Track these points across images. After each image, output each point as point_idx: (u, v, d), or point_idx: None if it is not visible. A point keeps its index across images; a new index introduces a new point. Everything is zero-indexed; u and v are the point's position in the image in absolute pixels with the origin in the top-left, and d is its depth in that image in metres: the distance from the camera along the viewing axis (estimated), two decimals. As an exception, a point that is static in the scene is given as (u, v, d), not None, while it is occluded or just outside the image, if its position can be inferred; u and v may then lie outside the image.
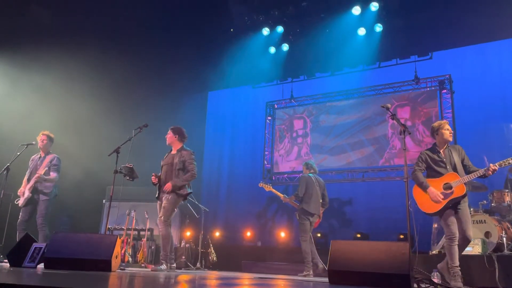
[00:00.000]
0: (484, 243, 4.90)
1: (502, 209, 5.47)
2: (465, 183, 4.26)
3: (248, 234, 9.00)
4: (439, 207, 4.27)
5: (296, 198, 6.44)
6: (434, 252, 5.49)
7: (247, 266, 7.69)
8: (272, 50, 9.30)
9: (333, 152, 9.07)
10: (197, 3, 8.62)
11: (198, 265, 7.41)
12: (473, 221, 5.17)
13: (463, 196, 4.26)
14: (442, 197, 4.26)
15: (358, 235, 7.81)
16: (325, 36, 8.57)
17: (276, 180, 9.61)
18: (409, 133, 4.44)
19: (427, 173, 4.54)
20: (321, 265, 6.18)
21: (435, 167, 4.46)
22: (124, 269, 5.13)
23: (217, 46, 9.17)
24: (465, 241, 4.21)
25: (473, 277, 4.52)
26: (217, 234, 8.86)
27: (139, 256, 7.02)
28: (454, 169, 4.38)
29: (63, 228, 8.01)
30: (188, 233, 8.04)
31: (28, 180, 5.81)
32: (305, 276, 6.04)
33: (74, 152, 7.37)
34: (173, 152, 5.61)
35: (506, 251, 4.83)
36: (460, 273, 4.08)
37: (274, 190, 6.83)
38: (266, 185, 6.96)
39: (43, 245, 4.70)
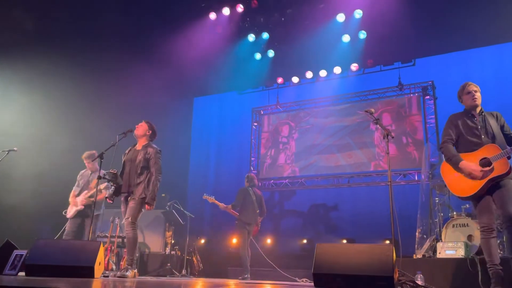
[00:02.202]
0: (467, 246, 4.95)
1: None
2: (509, 158, 3.40)
3: (234, 240, 8.95)
4: (475, 188, 3.44)
5: (233, 208, 6.95)
6: (418, 256, 5.54)
7: (233, 273, 7.64)
8: (258, 56, 9.34)
9: (319, 157, 9.11)
10: (183, 8, 8.64)
11: (183, 272, 7.33)
12: (456, 224, 5.24)
13: (507, 174, 3.39)
14: (480, 170, 3.43)
15: (344, 241, 7.84)
16: (310, 42, 8.65)
17: (263, 186, 9.61)
18: (393, 137, 4.33)
19: (459, 145, 3.74)
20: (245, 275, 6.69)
21: (468, 136, 3.62)
22: (107, 276, 5.04)
23: (203, 52, 9.17)
24: (508, 220, 3.35)
25: (456, 280, 4.56)
26: (202, 241, 8.79)
27: (123, 263, 6.91)
28: (493, 139, 3.53)
29: (45, 236, 7.86)
30: (173, 240, 7.96)
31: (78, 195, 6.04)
32: (243, 279, 6.48)
33: (58, 158, 7.28)
34: (138, 147, 5.23)
35: (488, 254, 4.89)
36: (500, 273, 3.40)
37: (216, 201, 7.16)
38: (209, 197, 7.24)
39: (24, 252, 4.60)
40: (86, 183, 6.11)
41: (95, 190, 5.80)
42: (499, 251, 4.13)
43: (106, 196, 5.18)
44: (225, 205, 7.05)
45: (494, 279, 3.45)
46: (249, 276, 6.62)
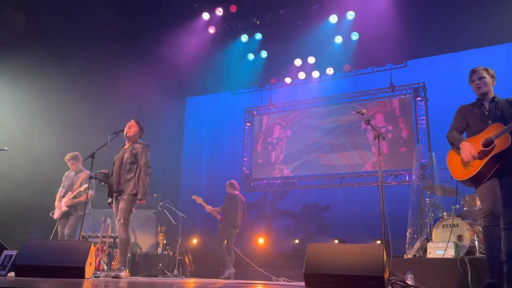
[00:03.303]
0: (457, 246, 5.00)
1: (473, 213, 5.60)
2: (511, 134, 3.15)
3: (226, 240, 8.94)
4: (475, 169, 3.24)
5: (223, 211, 7.15)
6: (409, 256, 5.58)
7: (225, 273, 7.63)
8: (251, 56, 9.35)
9: (312, 157, 9.13)
10: (177, 8, 8.62)
11: (175, 272, 7.31)
12: (446, 225, 5.28)
13: (510, 152, 3.13)
14: (473, 153, 3.26)
15: (336, 241, 7.87)
16: (303, 43, 8.69)
17: (255, 186, 9.62)
18: (383, 138, 4.36)
19: (467, 134, 3.59)
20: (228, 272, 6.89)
21: (474, 124, 3.45)
22: (98, 277, 5.02)
23: (196, 52, 9.16)
24: (508, 222, 3.12)
25: (446, 280, 4.60)
26: (194, 241, 8.77)
27: (115, 264, 6.88)
28: (502, 123, 3.29)
29: (36, 236, 7.80)
30: (165, 240, 7.94)
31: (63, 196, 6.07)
32: (226, 278, 6.70)
33: (48, 158, 7.23)
34: (126, 146, 5.25)
35: (478, 254, 4.95)
36: (500, 266, 3.15)
37: (203, 203, 7.39)
38: (198, 198, 7.47)
39: (14, 252, 4.56)
40: (70, 184, 6.15)
41: (78, 190, 5.97)
42: None
43: (109, 202, 5.19)
44: (212, 208, 7.28)
45: (491, 272, 3.18)
46: (233, 270, 6.86)
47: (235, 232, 7.15)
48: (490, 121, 3.37)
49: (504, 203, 3.20)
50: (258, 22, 8.76)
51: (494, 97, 3.54)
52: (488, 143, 3.26)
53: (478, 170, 3.26)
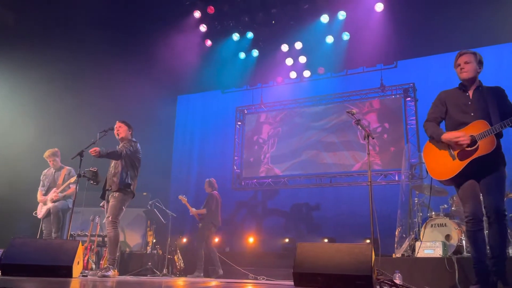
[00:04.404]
0: (444, 245, 5.04)
1: (461, 213, 5.65)
2: (497, 135, 2.96)
3: (216, 240, 8.93)
4: (456, 170, 3.04)
5: (209, 212, 7.26)
6: (397, 255, 5.61)
7: (213, 272, 7.62)
8: (242, 55, 9.33)
9: (303, 156, 9.15)
10: (168, 5, 8.57)
11: (164, 271, 7.28)
12: (434, 224, 5.33)
13: (493, 155, 2.96)
14: (465, 139, 3.02)
15: (325, 240, 7.90)
16: (294, 43, 8.69)
17: (246, 185, 9.62)
18: (373, 138, 4.38)
19: (446, 124, 3.34)
20: (221, 271, 7.14)
21: (455, 113, 3.18)
22: (86, 276, 4.98)
23: (187, 50, 9.12)
24: (492, 214, 3.00)
25: (434, 279, 4.64)
26: (184, 240, 8.74)
27: (103, 263, 6.83)
28: (486, 117, 3.07)
29: (23, 234, 7.71)
30: (154, 239, 7.90)
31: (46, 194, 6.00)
32: (197, 276, 6.94)
33: (36, 155, 7.14)
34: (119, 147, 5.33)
35: (465, 254, 4.99)
36: (487, 270, 3.03)
37: (188, 204, 7.54)
38: (183, 198, 7.61)
39: (0, 251, 4.50)
40: (52, 181, 6.06)
41: (64, 185, 5.92)
42: None
43: (101, 205, 5.19)
44: (195, 210, 7.41)
45: (478, 277, 3.08)
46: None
47: (215, 231, 7.45)
48: (472, 113, 3.15)
49: (485, 193, 3.07)
50: (249, 21, 8.73)
51: (479, 85, 3.29)
52: (471, 143, 3.06)
53: (458, 172, 3.08)
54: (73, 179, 5.89)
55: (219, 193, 7.67)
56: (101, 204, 5.25)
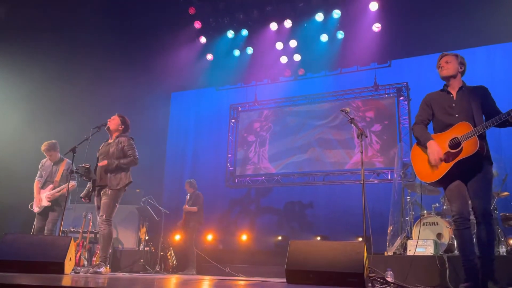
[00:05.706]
0: (436, 244, 5.09)
1: (452, 212, 5.70)
2: (480, 136, 3.03)
3: (210, 237, 8.94)
4: (441, 172, 3.13)
5: (198, 211, 7.43)
6: (389, 253, 5.66)
7: (206, 269, 7.64)
8: (237, 53, 9.31)
9: (297, 154, 9.16)
10: (162, 2, 8.54)
11: (157, 268, 7.28)
12: (426, 223, 5.37)
13: (477, 155, 3.02)
14: (441, 156, 3.13)
15: (318, 238, 7.93)
16: (289, 41, 8.70)
17: (239, 182, 9.62)
18: (366, 136, 4.39)
19: (433, 126, 3.42)
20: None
21: (440, 115, 3.27)
22: (78, 272, 4.96)
23: (181, 47, 9.09)
24: (479, 216, 3.07)
25: (425, 277, 4.68)
26: (177, 237, 8.73)
27: (96, 259, 6.80)
28: (470, 117, 3.15)
29: (14, 231, 7.65)
30: (147, 236, 7.88)
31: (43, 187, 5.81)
32: (191, 274, 7.04)
33: (29, 152, 7.09)
34: (110, 140, 5.20)
35: (456, 252, 5.04)
36: (476, 268, 3.07)
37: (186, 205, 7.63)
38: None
39: (-9, 247, 4.46)
40: (50, 175, 5.86)
41: (61, 184, 5.77)
42: None
43: (81, 195, 5.10)
44: (189, 207, 7.49)
45: (467, 276, 3.12)
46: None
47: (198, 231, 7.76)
48: (457, 115, 3.21)
49: (472, 196, 3.13)
50: (244, 19, 8.72)
51: (462, 86, 3.36)
52: (455, 145, 3.13)
53: (444, 174, 3.15)
54: (65, 190, 5.67)
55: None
56: (81, 195, 5.13)
